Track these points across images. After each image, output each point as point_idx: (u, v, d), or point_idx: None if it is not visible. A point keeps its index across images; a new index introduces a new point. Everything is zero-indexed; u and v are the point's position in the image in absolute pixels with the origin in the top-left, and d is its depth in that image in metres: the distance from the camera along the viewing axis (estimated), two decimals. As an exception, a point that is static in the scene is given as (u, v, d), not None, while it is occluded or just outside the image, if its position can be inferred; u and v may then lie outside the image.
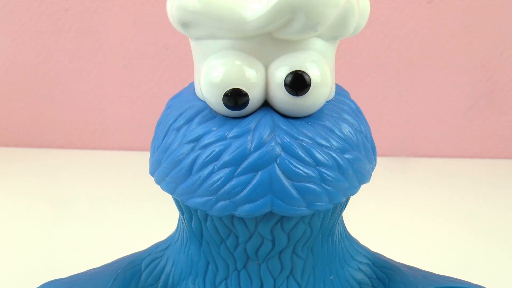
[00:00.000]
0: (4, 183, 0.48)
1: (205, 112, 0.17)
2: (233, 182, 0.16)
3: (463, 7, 0.50)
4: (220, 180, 0.16)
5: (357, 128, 0.18)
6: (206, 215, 0.18)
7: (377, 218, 0.40)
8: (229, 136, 0.16)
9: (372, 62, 0.52)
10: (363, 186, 0.18)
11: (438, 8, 0.50)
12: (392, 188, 0.46)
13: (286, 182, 0.16)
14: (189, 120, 0.17)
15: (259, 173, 0.16)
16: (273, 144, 0.16)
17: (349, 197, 0.19)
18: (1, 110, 0.56)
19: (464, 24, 0.51)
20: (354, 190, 0.18)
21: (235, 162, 0.16)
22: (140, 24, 0.52)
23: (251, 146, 0.16)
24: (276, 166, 0.16)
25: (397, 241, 0.37)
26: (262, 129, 0.16)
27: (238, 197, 0.16)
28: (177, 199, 0.18)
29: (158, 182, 0.18)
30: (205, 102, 0.18)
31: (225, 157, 0.16)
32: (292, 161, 0.16)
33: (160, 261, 0.21)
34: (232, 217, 0.17)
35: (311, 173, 0.16)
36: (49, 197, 0.45)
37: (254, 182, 0.16)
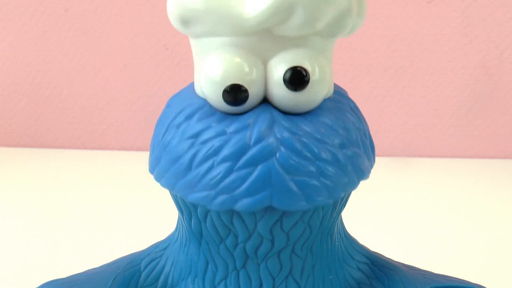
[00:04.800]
0: (4, 183, 0.48)
1: (205, 109, 0.17)
2: (233, 176, 0.16)
3: (463, 7, 0.50)
4: (220, 175, 0.16)
5: (356, 125, 0.18)
6: (206, 214, 0.18)
7: (377, 218, 0.40)
8: (228, 131, 0.17)
9: (372, 62, 0.52)
10: (363, 186, 0.18)
11: (438, 8, 0.50)
12: (392, 188, 0.46)
13: (285, 177, 0.16)
14: (188, 117, 0.18)
15: (258, 167, 0.16)
16: (272, 138, 0.16)
17: (348, 195, 0.19)
18: (1, 110, 0.56)
19: (464, 24, 0.51)
20: (353, 185, 0.17)
21: (234, 157, 0.16)
22: (140, 24, 0.52)
23: (250, 141, 0.16)
24: (275, 160, 0.16)
25: (396, 241, 0.37)
26: (261, 124, 0.16)
27: (237, 191, 0.16)
28: (177, 195, 0.18)
29: (158, 179, 0.18)
30: (204, 99, 0.18)
31: (225, 152, 0.16)
32: (291, 156, 0.16)
33: (160, 261, 0.21)
34: (232, 216, 0.17)
35: (310, 168, 0.16)
36: (49, 197, 0.45)
37: (253, 176, 0.16)
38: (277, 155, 0.16)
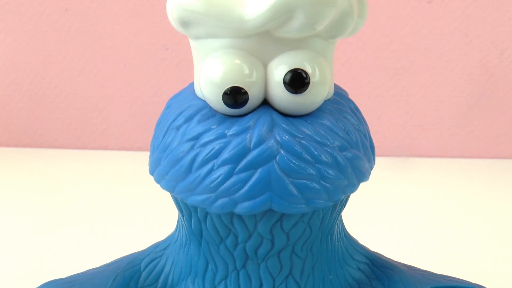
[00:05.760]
0: (4, 183, 0.48)
1: (205, 110, 0.17)
2: (233, 179, 0.16)
3: (463, 7, 0.50)
4: (220, 178, 0.16)
5: (356, 127, 0.18)
6: (206, 215, 0.18)
7: (377, 218, 0.40)
8: (228, 134, 0.17)
9: (372, 62, 0.52)
10: (363, 186, 0.18)
11: (438, 8, 0.50)
12: (392, 188, 0.46)
13: (285, 179, 0.16)
14: (188, 119, 0.17)
15: (259, 170, 0.16)
16: (272, 141, 0.16)
17: (348, 196, 0.19)
18: (1, 110, 0.56)
19: (464, 24, 0.51)
20: (353, 188, 0.18)
21: (235, 160, 0.16)
22: (140, 24, 0.52)
23: (250, 144, 0.16)
24: (275, 163, 0.16)
25: (396, 241, 0.37)
26: (261, 126, 0.16)
27: (237, 194, 0.16)
28: (177, 197, 0.18)
29: (158, 180, 0.18)
30: (204, 101, 0.18)
31: (225, 155, 0.16)
32: (291, 159, 0.16)
33: (160, 261, 0.21)
34: (232, 216, 0.17)
35: (310, 171, 0.16)
36: (49, 197, 0.45)
37: (253, 179, 0.16)
38: (277, 158, 0.16)
